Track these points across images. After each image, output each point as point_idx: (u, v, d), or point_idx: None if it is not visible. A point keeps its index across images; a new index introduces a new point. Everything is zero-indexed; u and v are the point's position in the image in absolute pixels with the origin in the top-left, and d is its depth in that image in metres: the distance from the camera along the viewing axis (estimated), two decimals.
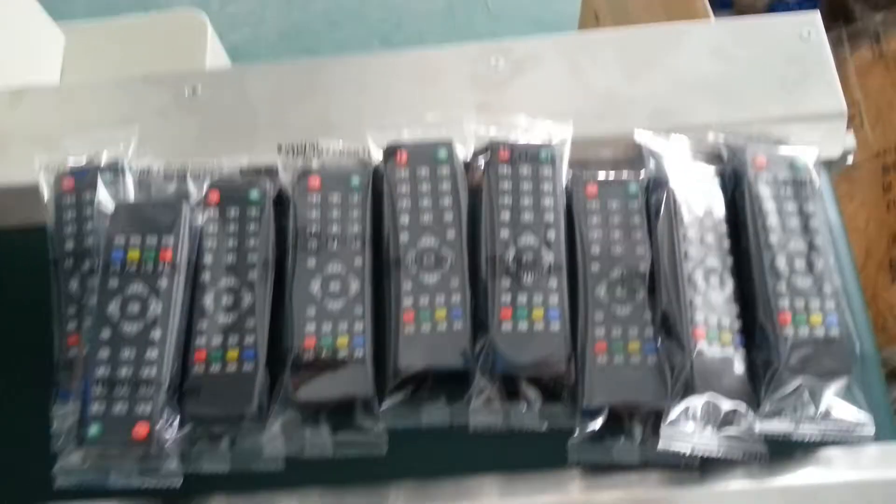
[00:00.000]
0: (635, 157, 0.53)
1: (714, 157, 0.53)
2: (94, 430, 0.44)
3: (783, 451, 0.46)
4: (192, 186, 0.52)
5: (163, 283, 0.48)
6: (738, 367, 0.47)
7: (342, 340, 0.48)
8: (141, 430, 0.44)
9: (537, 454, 0.47)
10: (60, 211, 0.51)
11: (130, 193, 0.52)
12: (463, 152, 0.52)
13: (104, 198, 0.51)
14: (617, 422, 0.47)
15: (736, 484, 0.46)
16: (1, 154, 0.56)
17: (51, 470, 0.45)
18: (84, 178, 0.52)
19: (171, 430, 0.45)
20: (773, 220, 0.49)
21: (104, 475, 0.45)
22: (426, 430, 0.47)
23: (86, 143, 0.54)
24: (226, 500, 0.47)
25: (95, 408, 0.45)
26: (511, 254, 0.49)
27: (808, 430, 0.46)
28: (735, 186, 0.51)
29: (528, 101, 0.55)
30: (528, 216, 0.50)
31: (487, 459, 0.48)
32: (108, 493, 0.46)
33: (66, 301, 0.50)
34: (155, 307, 0.47)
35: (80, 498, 0.46)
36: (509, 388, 0.47)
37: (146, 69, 0.63)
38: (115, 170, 0.52)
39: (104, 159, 0.53)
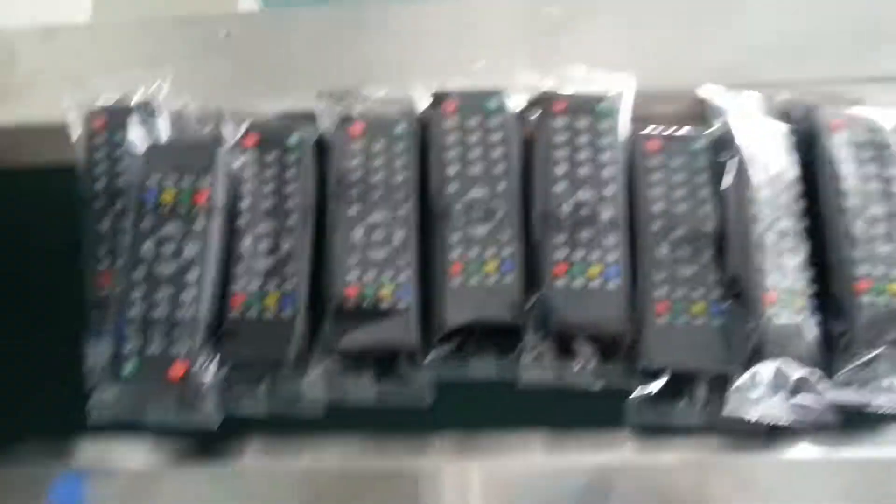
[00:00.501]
0: (699, 113, 0.52)
1: (785, 117, 0.52)
2: (129, 367, 0.45)
3: (854, 423, 0.45)
4: (227, 129, 0.52)
5: (198, 224, 0.47)
6: (811, 333, 0.46)
7: (386, 290, 0.47)
8: (177, 369, 0.44)
9: (589, 414, 0.47)
10: (91, 150, 0.51)
11: (163, 134, 0.52)
12: (515, 103, 0.51)
13: (136, 136, 0.50)
14: (678, 384, 0.46)
15: (802, 453, 0.45)
16: (29, 91, 0.57)
17: (85, 406, 0.46)
18: (116, 117, 0.52)
19: (207, 372, 0.45)
20: (850, 183, 0.48)
21: (139, 412, 0.46)
22: (473, 383, 0.47)
23: (117, 83, 0.53)
24: (262, 444, 0.47)
25: (130, 346, 0.45)
26: (567, 209, 0.48)
27: (882, 402, 0.45)
28: (809, 148, 0.50)
29: (584, 51, 0.55)
30: (584, 171, 0.49)
31: (536, 416, 0.47)
32: (142, 430, 0.46)
33: (98, 241, 0.50)
34: (190, 248, 0.47)
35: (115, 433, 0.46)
36: (562, 345, 0.46)
37: (178, 11, 0.62)
38: (148, 110, 0.52)
39: (136, 99, 0.53)
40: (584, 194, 0.48)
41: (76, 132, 0.52)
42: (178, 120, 0.52)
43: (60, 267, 0.51)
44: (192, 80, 0.55)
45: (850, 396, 0.45)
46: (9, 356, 0.51)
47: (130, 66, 0.56)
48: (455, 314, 0.46)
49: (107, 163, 0.51)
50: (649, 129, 0.51)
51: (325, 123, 0.52)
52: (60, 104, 0.53)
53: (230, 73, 0.56)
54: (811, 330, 0.46)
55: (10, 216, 0.55)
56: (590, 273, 0.47)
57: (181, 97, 0.53)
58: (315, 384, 0.46)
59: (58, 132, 0.53)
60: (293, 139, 0.51)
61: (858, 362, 0.45)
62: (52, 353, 0.49)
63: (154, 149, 0.50)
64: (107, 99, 0.53)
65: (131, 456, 0.47)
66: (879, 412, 0.45)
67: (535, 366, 0.46)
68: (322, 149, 0.51)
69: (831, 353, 0.46)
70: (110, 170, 0.51)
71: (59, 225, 0.52)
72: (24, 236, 0.54)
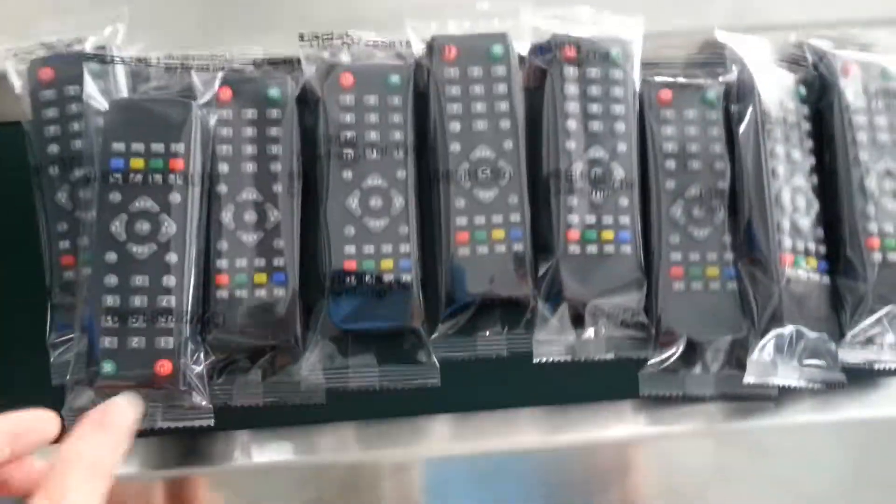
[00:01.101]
0: (710, 58, 0.50)
1: (796, 63, 0.50)
2: (108, 367, 0.41)
3: (862, 381, 0.47)
4: (198, 81, 0.47)
5: (175, 197, 0.43)
6: (823, 294, 0.46)
7: (386, 263, 0.45)
8: (163, 367, 0.41)
9: (599, 386, 0.46)
10: (39, 108, 0.46)
11: (123, 89, 0.47)
12: (518, 49, 0.48)
13: (93, 92, 0.45)
14: (691, 351, 0.46)
15: (815, 416, 0.46)
16: None
17: (52, 405, 0.41)
18: (66, 68, 0.46)
19: (196, 366, 0.42)
20: (863, 135, 0.47)
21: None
22: (478, 361, 0.46)
23: (63, 26, 0.47)
24: (249, 437, 0.45)
25: (107, 343, 0.41)
26: (578, 168, 0.46)
27: (891, 360, 0.46)
28: (820, 97, 0.49)
29: None
30: (596, 125, 0.46)
31: (545, 390, 0.47)
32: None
33: (55, 215, 0.45)
34: (168, 226, 0.43)
35: None
36: (574, 316, 0.45)
37: None
38: (103, 59, 0.46)
39: (88, 45, 0.47)
40: (596, 152, 0.46)
41: (18, 85, 0.46)
42: (139, 70, 0.47)
43: (11, 247, 0.46)
44: (153, 22, 0.49)
45: (859, 356, 0.46)
46: None
47: (77, 5, 0.50)
48: (464, 288, 0.44)
49: (60, 123, 0.45)
50: (660, 79, 0.49)
51: (310, 72, 0.47)
52: None
53: (197, 12, 0.50)
54: (823, 290, 0.46)
55: None
56: (603, 237, 0.46)
57: (140, 41, 0.48)
58: (313, 369, 0.44)
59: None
60: (273, 92, 0.46)
61: (869, 320, 0.46)
62: (9, 347, 0.45)
63: (117, 106, 0.45)
64: (53, 45, 0.47)
65: None
66: (887, 370, 0.46)
67: (547, 340, 0.45)
68: (305, 102, 0.48)
69: (841, 312, 0.46)
70: (64, 131, 0.45)
71: (5, 194, 0.47)
72: None
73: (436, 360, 0.45)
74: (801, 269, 0.45)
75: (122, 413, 0.35)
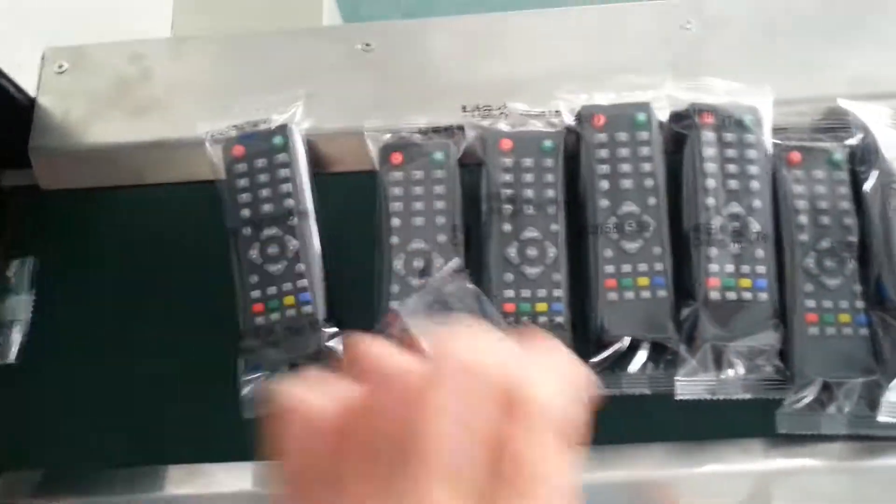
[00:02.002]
0: (835, 124, 0.57)
1: None
2: None
3: None
4: (372, 148, 0.56)
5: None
6: None
7: (541, 306, 0.52)
8: None
9: (725, 423, 0.53)
10: (233, 179, 0.55)
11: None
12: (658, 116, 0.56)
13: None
14: (825, 392, 0.51)
15: None
16: (153, 107, 0.60)
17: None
18: (254, 144, 0.56)
19: None
20: None
21: None
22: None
23: (249, 105, 0.58)
24: None
25: None
26: (717, 222, 0.53)
27: None
28: None
29: (721, 62, 0.59)
30: (733, 184, 0.54)
31: (677, 427, 0.53)
32: None
33: (248, 269, 0.54)
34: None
35: None
36: (714, 358, 0.52)
37: (260, 26, 0.66)
38: (285, 133, 0.56)
39: (273, 121, 0.57)
40: (733, 207, 0.53)
41: (216, 161, 0.56)
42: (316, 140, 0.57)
43: (207, 291, 0.56)
44: (327, 96, 0.59)
45: None
46: (155, 380, 0.55)
47: (262, 83, 0.61)
48: (613, 329, 0.51)
49: (251, 191, 0.55)
50: (790, 142, 0.56)
51: (470, 138, 0.56)
52: (189, 120, 0.57)
53: (370, 88, 0.60)
54: None
55: (153, 234, 0.59)
56: (741, 284, 0.52)
57: (315, 116, 0.58)
58: None
59: (185, 148, 0.58)
60: (439, 155, 0.55)
61: None
62: (203, 381, 0.54)
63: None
64: (242, 126, 0.57)
65: None
66: None
67: (689, 379, 0.51)
68: (463, 163, 0.56)
69: None
70: (254, 197, 0.55)
71: (202, 242, 0.57)
72: (169, 258, 0.58)
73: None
74: None
75: None
